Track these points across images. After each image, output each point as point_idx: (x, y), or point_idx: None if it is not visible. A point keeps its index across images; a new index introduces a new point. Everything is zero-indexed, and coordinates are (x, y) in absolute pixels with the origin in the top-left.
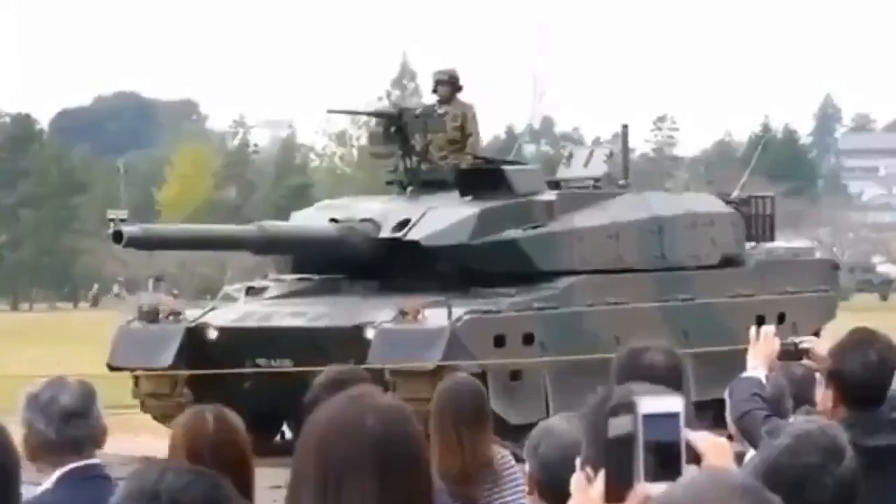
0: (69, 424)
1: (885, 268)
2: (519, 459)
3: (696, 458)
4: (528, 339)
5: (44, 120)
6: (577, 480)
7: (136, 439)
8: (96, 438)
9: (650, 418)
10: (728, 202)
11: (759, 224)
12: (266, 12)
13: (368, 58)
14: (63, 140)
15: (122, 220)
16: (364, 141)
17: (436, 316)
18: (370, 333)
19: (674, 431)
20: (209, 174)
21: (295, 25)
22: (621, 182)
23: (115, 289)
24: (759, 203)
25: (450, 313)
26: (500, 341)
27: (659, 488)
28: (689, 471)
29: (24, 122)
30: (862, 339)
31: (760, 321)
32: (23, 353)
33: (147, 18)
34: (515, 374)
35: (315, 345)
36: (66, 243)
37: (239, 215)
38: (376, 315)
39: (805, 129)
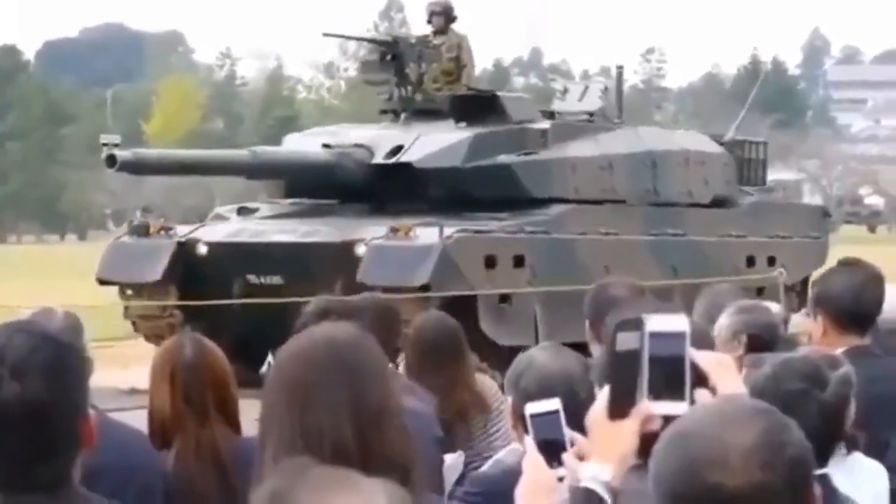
0: None
1: (872, 199)
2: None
3: (700, 379)
4: (519, 261)
5: (30, 51)
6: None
7: (124, 371)
8: None
9: (657, 336)
10: (721, 143)
11: (751, 168)
12: None
13: None
14: (49, 71)
15: (116, 145)
16: (353, 72)
17: (427, 234)
18: (361, 250)
19: (679, 350)
20: (196, 106)
21: None
22: (616, 121)
23: (109, 224)
24: (752, 147)
25: (441, 231)
26: (490, 262)
27: (662, 407)
28: (695, 393)
29: (10, 54)
30: (846, 263)
31: (751, 262)
32: (9, 285)
33: None
34: (505, 297)
35: (305, 261)
36: (52, 175)
37: (225, 147)
38: (367, 232)
39: (793, 62)
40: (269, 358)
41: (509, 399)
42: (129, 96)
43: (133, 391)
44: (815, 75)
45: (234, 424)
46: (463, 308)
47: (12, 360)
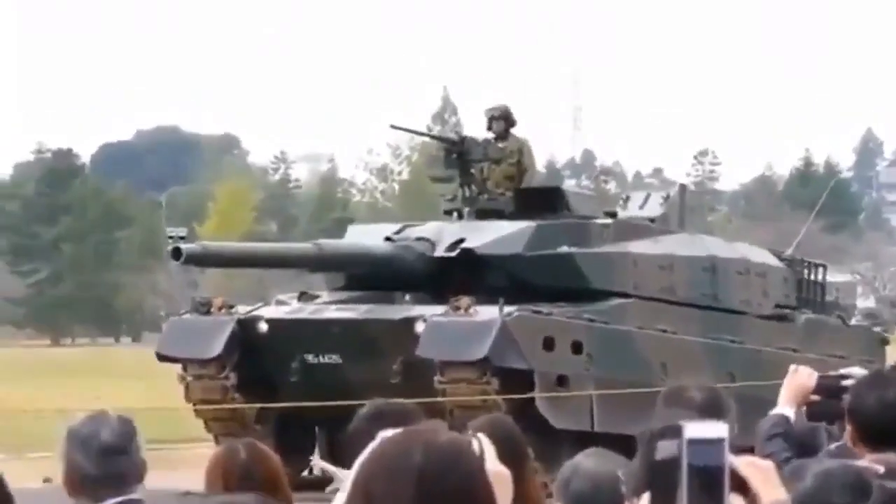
0: (109, 459)
1: None
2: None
3: (739, 485)
4: (577, 347)
5: (85, 154)
6: None
7: (176, 474)
8: (137, 474)
9: (695, 443)
10: (781, 259)
11: (808, 290)
12: (307, 47)
13: (409, 92)
14: (104, 174)
15: (182, 238)
16: (406, 175)
17: (487, 311)
18: (420, 328)
19: (718, 456)
20: (250, 209)
21: (336, 60)
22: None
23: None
24: (811, 269)
25: (501, 308)
26: (549, 344)
27: None
28: (734, 500)
29: (65, 157)
30: (882, 376)
31: None
32: (66, 387)
33: (189, 54)
34: (562, 380)
35: (364, 339)
36: (107, 278)
37: None
38: (427, 311)
39: (846, 163)
40: (315, 458)
41: None
42: (183, 199)
43: (187, 494)
44: (867, 177)
45: None
46: (520, 387)
47: None
